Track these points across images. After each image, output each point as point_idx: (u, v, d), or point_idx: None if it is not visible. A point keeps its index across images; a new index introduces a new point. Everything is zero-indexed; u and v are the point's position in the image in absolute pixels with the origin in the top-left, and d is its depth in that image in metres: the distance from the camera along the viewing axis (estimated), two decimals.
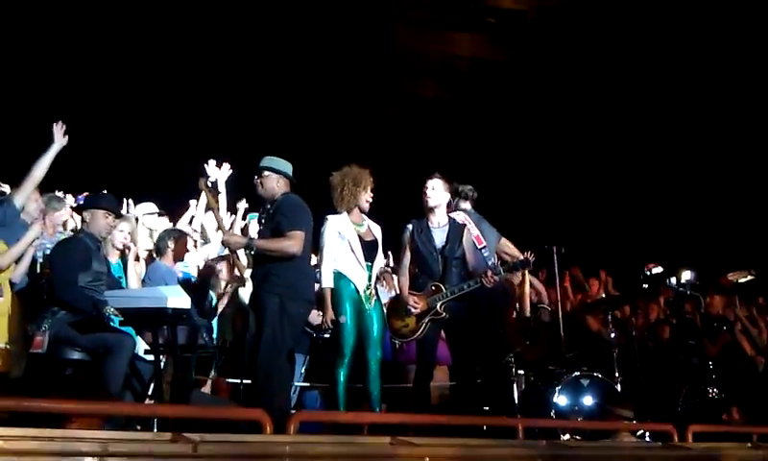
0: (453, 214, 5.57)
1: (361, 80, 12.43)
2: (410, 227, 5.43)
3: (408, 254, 5.45)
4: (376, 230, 5.43)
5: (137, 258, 5.64)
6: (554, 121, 12.43)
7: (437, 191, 5.39)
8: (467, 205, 5.89)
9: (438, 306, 5.18)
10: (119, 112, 10.49)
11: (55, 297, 4.58)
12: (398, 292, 5.61)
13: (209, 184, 4.89)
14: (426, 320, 5.21)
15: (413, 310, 5.23)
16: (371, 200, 5.33)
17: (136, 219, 6.34)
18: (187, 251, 6.26)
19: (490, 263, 5.25)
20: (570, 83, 12.24)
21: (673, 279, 6.81)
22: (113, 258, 5.37)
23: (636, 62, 11.86)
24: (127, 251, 5.32)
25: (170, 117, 10.78)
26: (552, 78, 12.33)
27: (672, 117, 11.99)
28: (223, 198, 6.69)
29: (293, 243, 4.58)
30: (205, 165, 6.40)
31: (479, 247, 5.32)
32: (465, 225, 5.43)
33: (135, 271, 5.37)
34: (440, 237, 5.35)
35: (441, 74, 13.20)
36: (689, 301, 7.24)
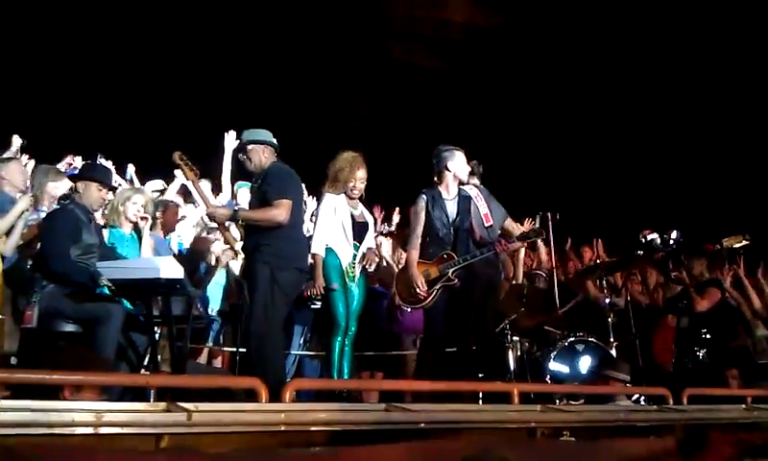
0: (466, 188, 5.57)
1: (355, 49, 12.34)
2: (424, 197, 5.35)
3: (421, 225, 5.32)
4: (369, 217, 5.70)
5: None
6: (546, 89, 12.37)
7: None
8: (475, 180, 5.83)
9: (449, 273, 5.15)
10: (117, 82, 10.42)
11: (46, 269, 4.54)
12: (408, 264, 5.43)
13: (185, 158, 4.84)
14: (438, 287, 5.17)
15: (420, 293, 5.13)
16: (357, 192, 5.50)
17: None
18: (178, 220, 6.24)
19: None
20: (564, 50, 12.16)
21: (658, 240, 6.82)
22: (126, 230, 5.32)
23: (631, 29, 11.78)
24: (142, 223, 5.24)
25: (165, 89, 10.70)
26: (545, 45, 12.24)
27: (665, 84, 11.94)
28: (227, 167, 6.70)
29: (279, 212, 4.55)
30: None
31: (486, 225, 5.30)
32: (470, 197, 5.42)
33: (150, 244, 5.32)
34: (452, 209, 5.33)
35: (434, 41, 13.08)
36: (676, 259, 7.23)
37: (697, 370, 6.48)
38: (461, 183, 5.42)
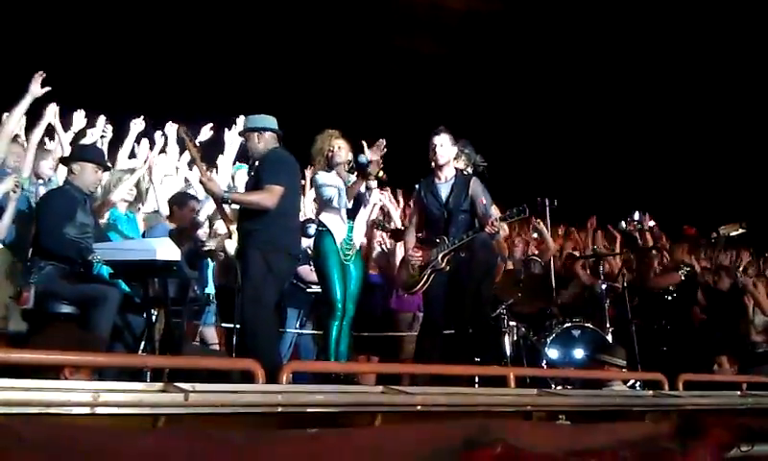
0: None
1: (356, 36, 12.31)
2: (418, 186, 5.47)
3: (417, 214, 5.51)
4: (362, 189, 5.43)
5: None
6: (542, 75, 12.35)
7: (445, 147, 5.34)
8: (460, 164, 5.78)
9: (439, 258, 5.16)
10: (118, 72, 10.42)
11: (41, 247, 4.54)
12: (404, 247, 5.64)
13: (189, 133, 4.82)
14: (428, 271, 5.20)
15: (415, 262, 5.24)
16: (337, 159, 5.36)
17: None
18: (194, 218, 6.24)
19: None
20: (561, 38, 12.14)
21: (623, 223, 6.89)
22: (122, 209, 5.39)
23: (628, 16, 11.75)
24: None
25: (166, 78, 10.69)
26: (543, 32, 12.22)
27: (662, 72, 11.93)
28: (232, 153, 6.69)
29: (268, 197, 4.54)
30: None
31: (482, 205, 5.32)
32: (471, 176, 5.41)
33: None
34: (445, 191, 5.33)
35: (433, 27, 13.04)
36: (643, 237, 7.24)
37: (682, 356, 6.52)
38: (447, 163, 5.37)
